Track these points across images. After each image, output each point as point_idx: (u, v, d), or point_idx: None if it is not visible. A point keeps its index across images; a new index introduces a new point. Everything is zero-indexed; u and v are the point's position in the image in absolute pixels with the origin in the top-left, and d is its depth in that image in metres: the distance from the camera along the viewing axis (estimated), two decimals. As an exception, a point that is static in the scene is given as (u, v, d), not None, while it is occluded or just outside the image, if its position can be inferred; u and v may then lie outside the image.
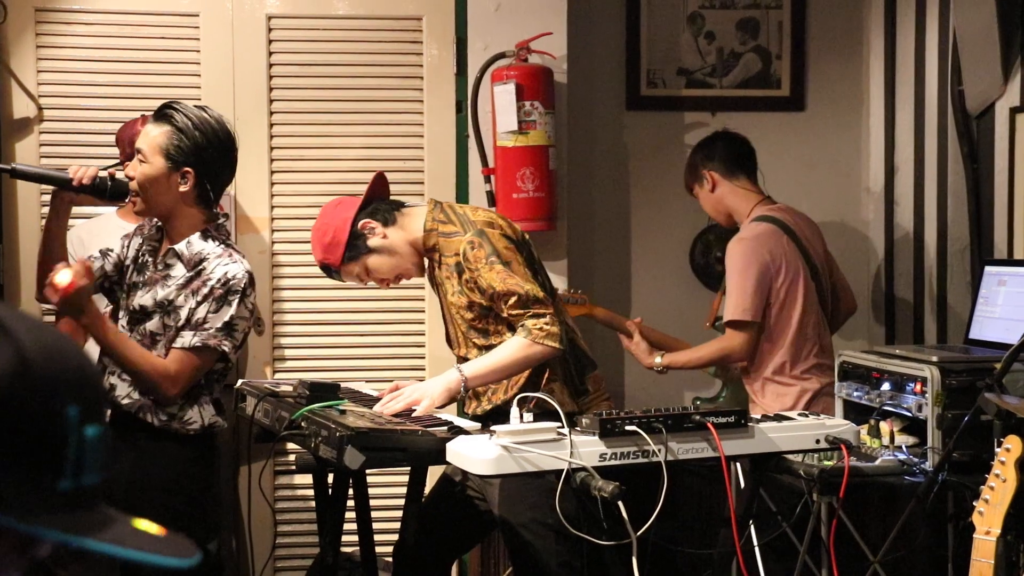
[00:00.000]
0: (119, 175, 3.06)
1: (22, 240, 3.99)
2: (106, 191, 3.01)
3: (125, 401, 2.97)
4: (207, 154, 2.98)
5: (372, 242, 3.08)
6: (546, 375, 3.05)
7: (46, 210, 3.96)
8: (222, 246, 3.01)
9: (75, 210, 3.17)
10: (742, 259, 3.66)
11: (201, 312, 2.93)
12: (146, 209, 3.03)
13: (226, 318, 2.93)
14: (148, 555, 0.94)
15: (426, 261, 3.18)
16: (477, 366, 3.00)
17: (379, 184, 3.20)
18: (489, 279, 2.97)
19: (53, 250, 3.07)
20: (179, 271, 2.99)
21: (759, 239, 3.67)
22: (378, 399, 3.10)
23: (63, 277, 2.80)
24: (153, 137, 2.96)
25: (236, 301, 2.94)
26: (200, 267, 2.96)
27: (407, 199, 3.28)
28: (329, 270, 3.15)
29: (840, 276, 3.95)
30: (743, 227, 3.76)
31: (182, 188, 2.98)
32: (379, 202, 3.16)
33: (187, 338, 2.93)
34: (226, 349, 2.94)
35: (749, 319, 3.62)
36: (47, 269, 2.97)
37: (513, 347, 2.97)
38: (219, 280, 2.94)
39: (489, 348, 3.05)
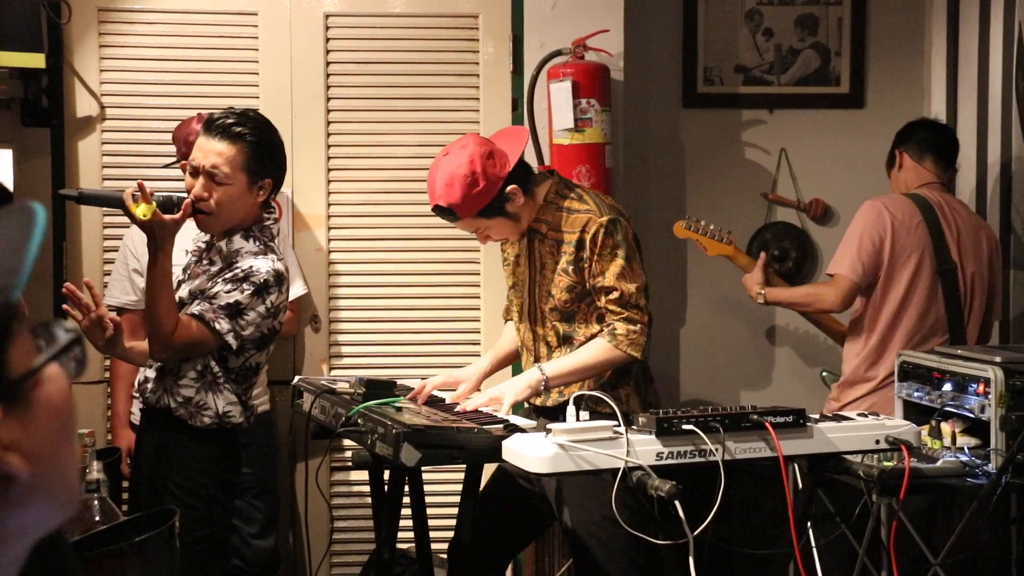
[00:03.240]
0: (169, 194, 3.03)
1: (84, 237, 4.05)
2: (172, 209, 2.92)
3: (149, 395, 2.99)
4: (281, 161, 3.02)
5: (508, 207, 3.00)
6: (626, 381, 3.03)
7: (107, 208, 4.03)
8: (261, 244, 3.00)
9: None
10: (864, 218, 3.63)
11: (215, 289, 2.93)
12: (219, 225, 2.99)
13: (231, 300, 2.88)
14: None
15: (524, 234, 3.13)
16: (558, 366, 2.98)
17: (524, 143, 3.13)
18: (603, 268, 2.96)
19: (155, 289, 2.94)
20: (217, 265, 3.00)
21: (889, 206, 3.63)
22: (418, 395, 3.09)
23: (143, 211, 2.84)
24: (231, 156, 2.91)
25: (250, 291, 2.89)
26: (233, 261, 2.97)
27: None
28: (448, 214, 3.00)
29: (997, 294, 3.79)
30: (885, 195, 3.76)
31: (259, 198, 2.98)
32: (524, 167, 3.08)
33: (192, 307, 2.93)
34: (220, 328, 2.86)
35: (848, 274, 3.57)
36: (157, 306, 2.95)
37: (596, 349, 2.96)
38: (243, 269, 2.93)
39: (568, 335, 3.04)
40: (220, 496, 3.04)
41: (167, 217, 2.86)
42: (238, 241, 2.98)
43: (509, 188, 2.97)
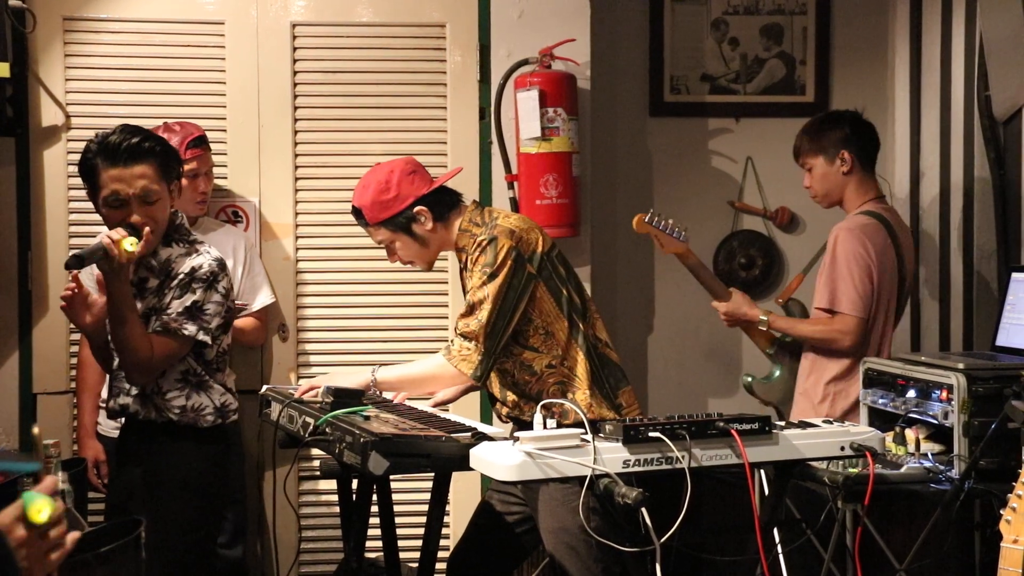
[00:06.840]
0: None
1: (49, 247, 4.02)
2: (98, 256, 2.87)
3: (139, 416, 3.01)
4: (179, 157, 3.15)
5: (415, 228, 3.10)
6: (581, 388, 3.04)
7: (73, 217, 4.01)
8: (186, 244, 3.04)
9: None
10: (850, 248, 3.60)
11: (166, 300, 2.96)
12: (156, 241, 3.03)
13: (188, 303, 2.93)
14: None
15: (458, 263, 3.19)
16: (390, 373, 3.06)
17: (451, 175, 3.23)
18: (473, 283, 3.00)
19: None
20: (152, 282, 3.00)
21: (866, 232, 3.63)
22: (396, 405, 3.13)
23: (131, 242, 2.84)
24: (152, 174, 2.93)
25: (201, 288, 2.94)
26: (170, 269, 2.99)
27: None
28: (359, 216, 3.13)
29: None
30: (849, 217, 3.71)
31: (174, 201, 3.08)
32: (446, 194, 3.15)
33: (153, 324, 2.95)
34: (188, 332, 2.91)
35: (862, 315, 3.58)
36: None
37: (430, 362, 3.04)
38: (185, 272, 2.96)
39: (514, 362, 3.06)
40: (216, 496, 3.09)
41: (137, 250, 2.86)
42: (163, 250, 3.00)
43: (418, 208, 3.07)
